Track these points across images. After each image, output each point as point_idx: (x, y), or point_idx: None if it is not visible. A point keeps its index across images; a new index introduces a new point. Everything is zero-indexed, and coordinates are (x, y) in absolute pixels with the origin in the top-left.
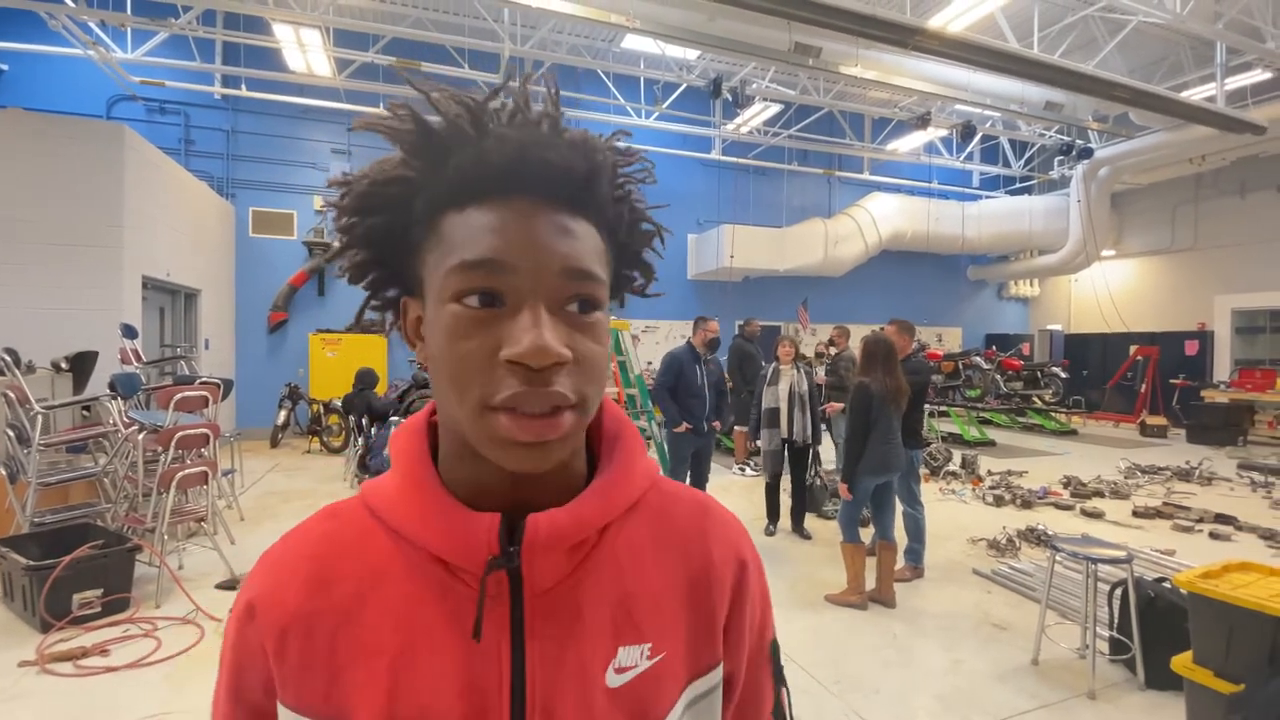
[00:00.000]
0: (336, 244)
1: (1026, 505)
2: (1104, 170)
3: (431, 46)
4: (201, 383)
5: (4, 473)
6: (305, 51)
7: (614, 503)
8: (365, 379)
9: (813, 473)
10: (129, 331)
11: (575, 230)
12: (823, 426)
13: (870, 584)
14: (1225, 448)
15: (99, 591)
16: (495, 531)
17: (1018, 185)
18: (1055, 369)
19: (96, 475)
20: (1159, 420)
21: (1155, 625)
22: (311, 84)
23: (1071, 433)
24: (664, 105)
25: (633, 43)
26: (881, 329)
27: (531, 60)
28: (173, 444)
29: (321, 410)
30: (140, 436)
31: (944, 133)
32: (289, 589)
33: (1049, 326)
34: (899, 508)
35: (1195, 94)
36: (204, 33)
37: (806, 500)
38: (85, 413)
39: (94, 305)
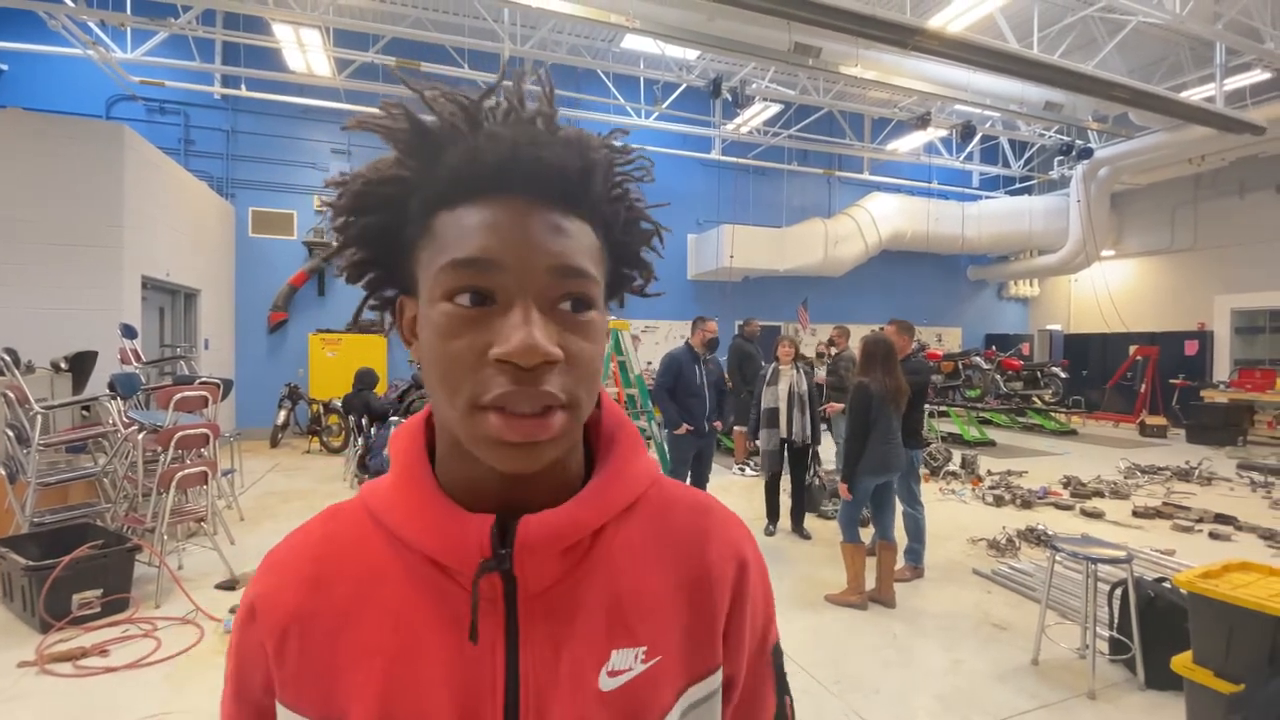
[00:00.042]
0: (334, 244)
1: (1026, 505)
2: (1104, 170)
3: (431, 46)
4: (201, 383)
5: (3, 473)
6: (305, 51)
7: (609, 504)
8: (365, 379)
9: (811, 473)
10: (128, 331)
11: (568, 228)
12: (823, 426)
13: (870, 584)
14: (1225, 448)
15: (98, 592)
16: (487, 533)
17: (1017, 185)
18: (1055, 369)
19: (96, 475)
20: (1159, 420)
21: (1155, 625)
22: (311, 84)
23: (1071, 433)
24: (664, 105)
25: (632, 43)
26: (881, 329)
27: (531, 60)
28: (172, 444)
29: (321, 410)
30: (140, 436)
31: (944, 133)
32: (288, 590)
33: (1049, 326)
34: (899, 508)
35: (1194, 94)
36: (204, 33)
37: (806, 500)
38: (85, 413)
39: (94, 305)
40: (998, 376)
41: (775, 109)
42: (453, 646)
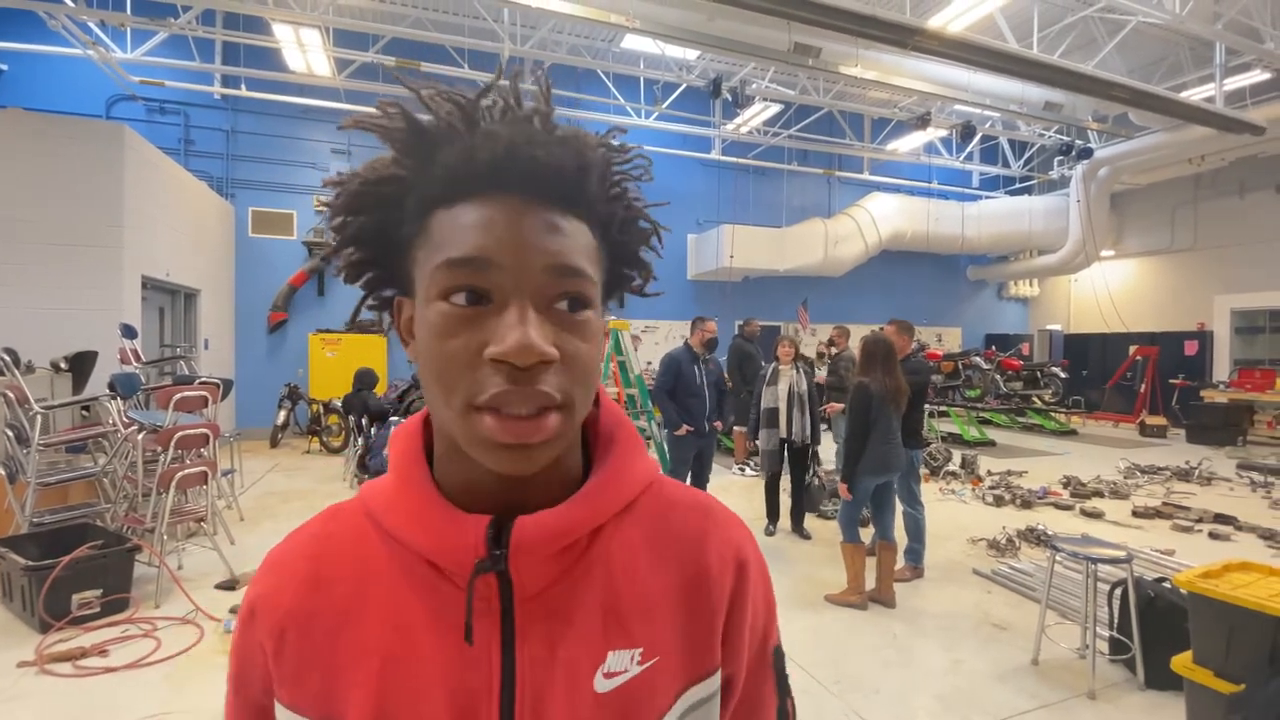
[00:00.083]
0: (332, 244)
1: (1026, 505)
2: (1103, 170)
3: (431, 46)
4: (201, 383)
5: (3, 473)
6: (305, 51)
7: (606, 505)
8: (364, 379)
9: (811, 473)
10: (128, 331)
11: (564, 227)
12: (823, 426)
13: (870, 584)
14: (1225, 448)
15: (98, 592)
16: (482, 534)
17: (1017, 185)
18: (1055, 369)
19: (96, 475)
20: (1158, 420)
21: (1155, 625)
22: (311, 84)
23: (1071, 433)
24: (664, 105)
25: (632, 43)
26: (881, 329)
27: (531, 60)
28: (172, 444)
29: (321, 410)
30: (140, 436)
31: (944, 133)
32: (287, 589)
33: (1048, 326)
34: (899, 508)
35: (1194, 94)
36: (204, 33)
37: (805, 500)
38: (85, 413)
39: (94, 305)
40: (998, 376)
41: (775, 109)
42: (449, 647)
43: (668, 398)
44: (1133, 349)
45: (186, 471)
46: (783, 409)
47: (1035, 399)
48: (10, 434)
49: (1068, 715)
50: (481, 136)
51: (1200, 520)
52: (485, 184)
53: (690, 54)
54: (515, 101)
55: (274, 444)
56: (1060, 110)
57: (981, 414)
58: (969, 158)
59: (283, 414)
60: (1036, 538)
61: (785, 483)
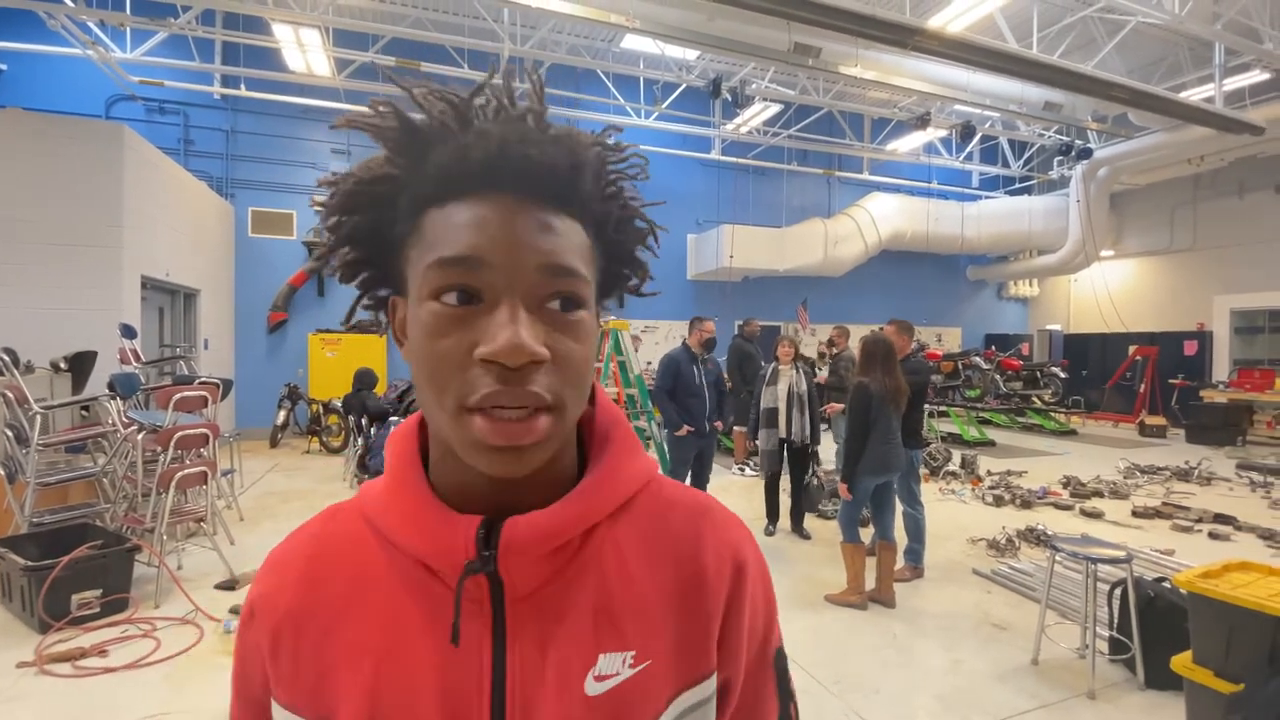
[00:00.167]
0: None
1: (1026, 505)
2: (1103, 170)
3: (431, 46)
4: (201, 383)
5: (3, 473)
6: (305, 51)
7: (598, 505)
8: (364, 379)
9: (810, 473)
10: (128, 331)
11: (557, 227)
12: (823, 427)
13: (870, 584)
14: (1224, 448)
15: (98, 592)
16: (473, 535)
17: (1017, 185)
18: (1054, 369)
19: (95, 475)
20: (1158, 420)
21: (1155, 625)
22: (311, 84)
23: (1071, 433)
24: (664, 105)
25: (632, 43)
26: (881, 329)
27: (531, 60)
28: (172, 444)
29: (321, 410)
30: (139, 436)
31: (943, 133)
32: (285, 589)
33: (1048, 326)
34: (899, 508)
35: (1194, 94)
36: (203, 32)
37: (805, 500)
38: (84, 413)
39: (93, 305)
40: (997, 376)
41: (775, 109)
42: (442, 648)
43: (667, 398)
44: (1132, 349)
45: (186, 471)
46: (782, 409)
47: (1035, 399)
48: (10, 434)
49: (1068, 715)
50: (474, 135)
51: (1200, 520)
52: (478, 183)
53: (690, 54)
54: (509, 100)
55: (274, 444)
56: (1060, 110)
57: (981, 414)
58: (969, 158)
59: (282, 414)
60: (1036, 538)
61: (785, 483)
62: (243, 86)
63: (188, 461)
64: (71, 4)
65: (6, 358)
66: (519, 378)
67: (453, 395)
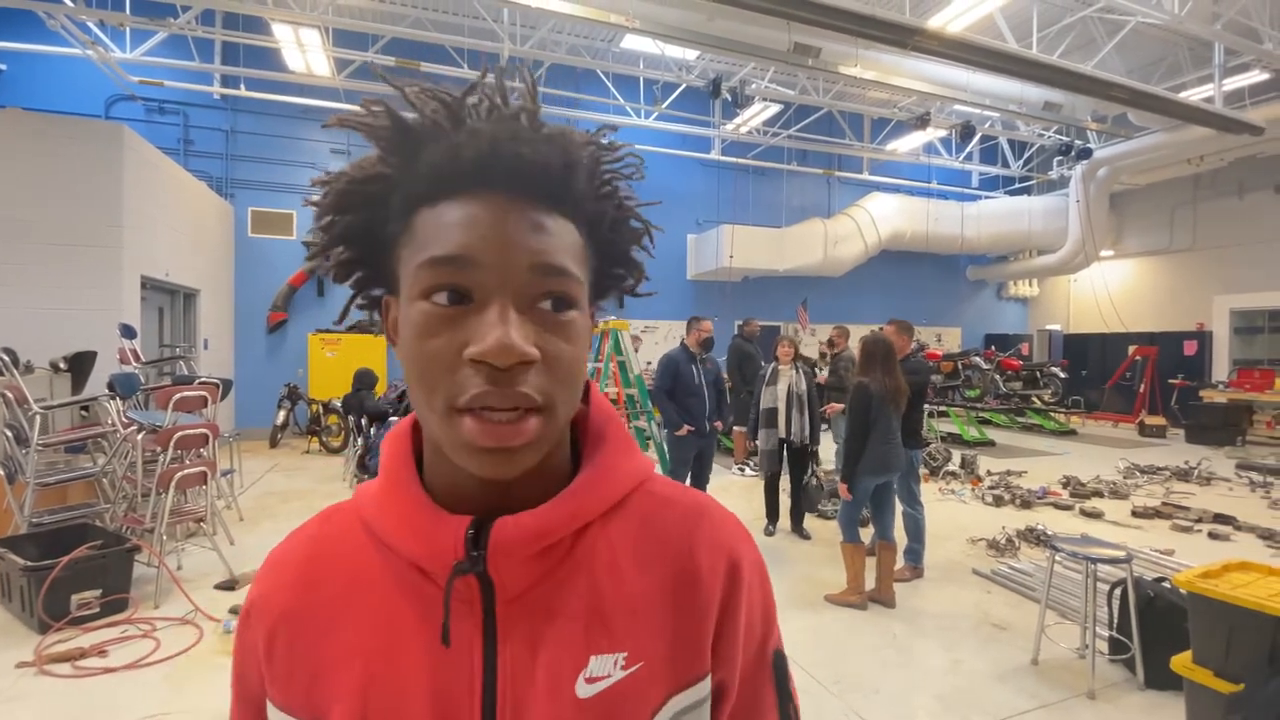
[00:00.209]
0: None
1: (1026, 505)
2: (1103, 171)
3: (431, 46)
4: (200, 383)
5: (2, 473)
6: (304, 51)
7: (590, 504)
8: (363, 379)
9: (810, 473)
10: (128, 331)
11: (549, 226)
12: (823, 427)
13: (870, 584)
14: (1224, 448)
15: (97, 592)
16: (461, 535)
17: (1017, 185)
18: (1054, 369)
19: (95, 475)
20: (1158, 420)
21: (1155, 625)
22: (311, 84)
23: (1070, 433)
24: (663, 105)
25: (632, 43)
26: (880, 329)
27: (531, 60)
28: (171, 444)
29: (320, 410)
30: (139, 437)
31: (943, 133)
32: (281, 590)
33: (1048, 326)
34: (899, 508)
35: (1193, 95)
36: (203, 32)
37: (804, 500)
38: (84, 413)
39: (93, 305)
40: (997, 376)
41: (775, 109)
42: (433, 649)
43: (667, 398)
44: (1132, 349)
45: (186, 471)
46: (782, 409)
47: (1035, 399)
48: (9, 434)
49: (1067, 715)
50: (466, 134)
51: (1199, 520)
52: (469, 182)
53: (690, 54)
54: (502, 99)
55: (273, 444)
56: (1059, 110)
57: (981, 414)
58: (968, 158)
59: (282, 414)
60: (1036, 538)
61: (785, 483)
62: (242, 86)
63: (187, 461)
64: (71, 4)
65: (6, 358)
66: (508, 378)
67: (442, 395)
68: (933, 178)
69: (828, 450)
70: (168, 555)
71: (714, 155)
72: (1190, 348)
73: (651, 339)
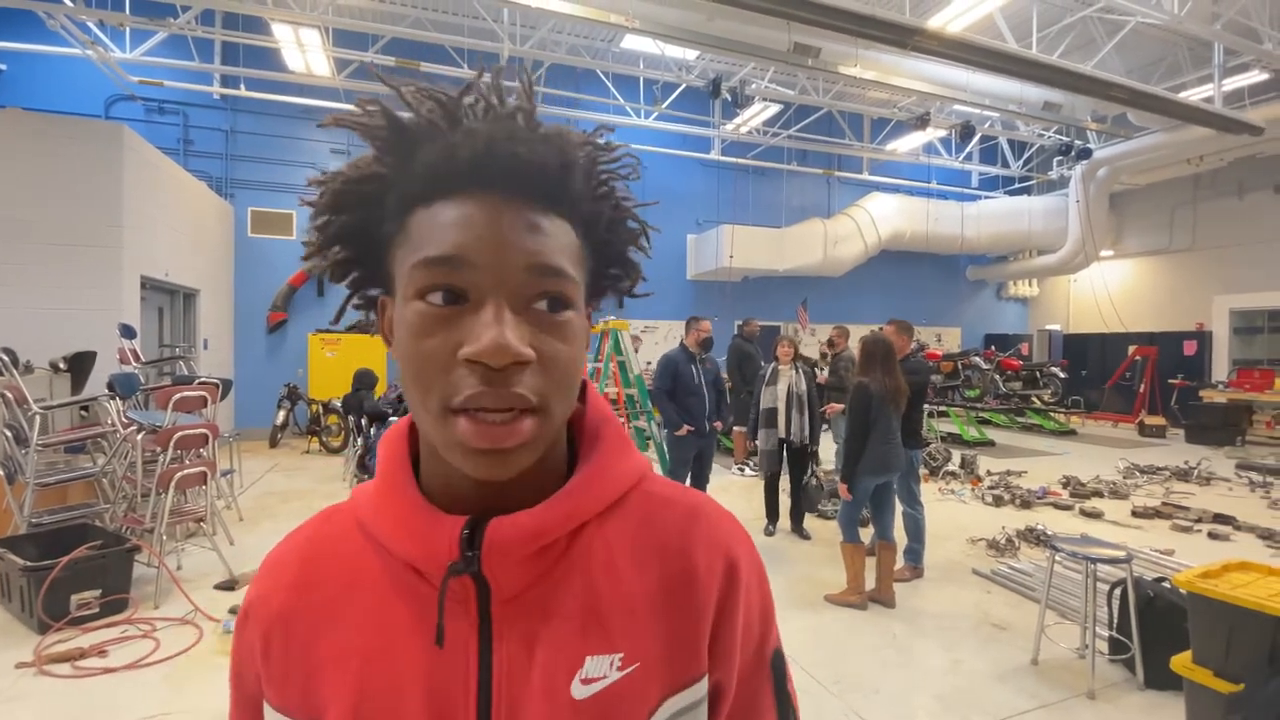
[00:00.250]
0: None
1: (1026, 505)
2: (1102, 171)
3: (431, 46)
4: (200, 383)
5: (2, 473)
6: (304, 51)
7: (586, 504)
8: (363, 379)
9: (809, 473)
10: (127, 331)
11: (545, 226)
12: (823, 426)
13: (870, 584)
14: (1223, 448)
15: (97, 592)
16: (456, 536)
17: (1016, 185)
18: (1054, 369)
19: (95, 476)
20: (1157, 420)
21: (1155, 625)
22: (311, 84)
23: (1070, 433)
24: (663, 105)
25: (632, 43)
26: (880, 329)
27: (531, 60)
28: (171, 444)
29: (320, 410)
30: (139, 437)
31: (943, 133)
32: (278, 591)
33: (1048, 326)
34: (898, 508)
35: (1193, 95)
36: (203, 32)
37: (804, 500)
38: (84, 413)
39: (93, 305)
40: (997, 376)
41: (775, 109)
42: (429, 650)
43: (666, 398)
44: (1132, 349)
45: (186, 472)
46: (781, 409)
47: (1034, 399)
48: (9, 434)
49: (1067, 715)
50: (462, 134)
51: (1199, 520)
52: (465, 181)
53: (690, 54)
54: (498, 99)
55: (273, 444)
56: (1059, 110)
57: (981, 414)
58: (968, 158)
59: (282, 414)
60: (1036, 538)
61: (785, 483)
62: (242, 86)
63: (187, 461)
64: (71, 4)
65: (6, 358)
66: (503, 379)
67: (437, 396)
68: (932, 178)
69: (828, 450)
70: (167, 555)
71: (714, 155)
72: (1190, 348)
73: (651, 339)
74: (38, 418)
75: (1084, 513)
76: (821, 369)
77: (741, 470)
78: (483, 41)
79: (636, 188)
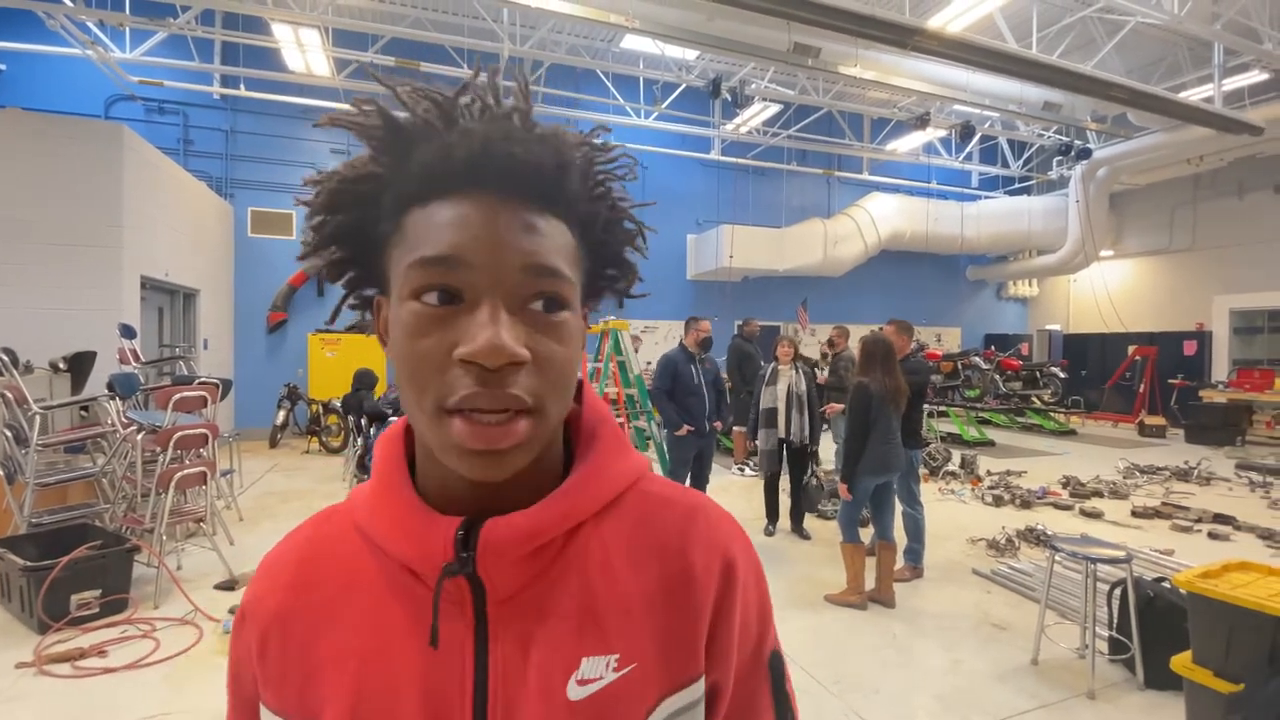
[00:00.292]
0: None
1: (1025, 505)
2: (1102, 171)
3: (431, 46)
4: (200, 383)
5: (2, 473)
6: (304, 51)
7: (582, 504)
8: (363, 379)
9: (809, 473)
10: (127, 331)
11: (541, 227)
12: (823, 426)
13: (870, 584)
14: (1223, 448)
15: (97, 592)
16: (451, 537)
17: (1016, 185)
18: (1054, 369)
19: (95, 476)
20: (1157, 420)
21: (1154, 625)
22: (311, 84)
23: (1070, 433)
24: (663, 105)
25: (632, 43)
26: (880, 329)
27: (531, 60)
28: (171, 444)
29: (320, 410)
30: (139, 437)
31: (943, 133)
32: (275, 593)
33: (1048, 326)
34: (898, 508)
35: (1193, 95)
36: (203, 32)
37: (804, 500)
38: (84, 413)
39: (93, 305)
40: (997, 376)
41: (774, 109)
42: (425, 651)
43: (666, 398)
44: (1132, 349)
45: (185, 472)
46: (781, 409)
47: (1034, 399)
48: (9, 434)
49: (1067, 715)
50: (458, 134)
51: (1199, 520)
52: (461, 181)
53: (690, 54)
54: (494, 99)
55: (273, 444)
56: (1059, 110)
57: (981, 414)
58: (968, 158)
59: (282, 414)
60: (1036, 538)
61: (784, 483)
62: (242, 86)
63: (187, 461)
64: (71, 4)
65: (6, 358)
66: (498, 379)
67: (432, 396)
68: (932, 178)
69: (828, 450)
70: (167, 555)
71: (714, 155)
72: (1190, 348)
73: (651, 339)
74: (38, 418)
75: (1084, 513)
76: (821, 369)
77: (741, 470)
78: (483, 41)
79: (636, 188)
